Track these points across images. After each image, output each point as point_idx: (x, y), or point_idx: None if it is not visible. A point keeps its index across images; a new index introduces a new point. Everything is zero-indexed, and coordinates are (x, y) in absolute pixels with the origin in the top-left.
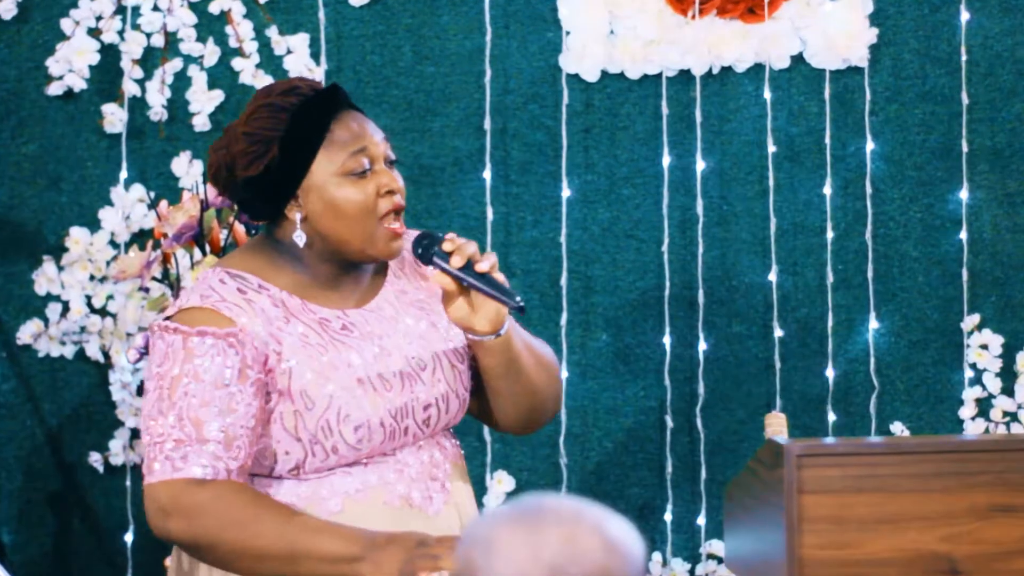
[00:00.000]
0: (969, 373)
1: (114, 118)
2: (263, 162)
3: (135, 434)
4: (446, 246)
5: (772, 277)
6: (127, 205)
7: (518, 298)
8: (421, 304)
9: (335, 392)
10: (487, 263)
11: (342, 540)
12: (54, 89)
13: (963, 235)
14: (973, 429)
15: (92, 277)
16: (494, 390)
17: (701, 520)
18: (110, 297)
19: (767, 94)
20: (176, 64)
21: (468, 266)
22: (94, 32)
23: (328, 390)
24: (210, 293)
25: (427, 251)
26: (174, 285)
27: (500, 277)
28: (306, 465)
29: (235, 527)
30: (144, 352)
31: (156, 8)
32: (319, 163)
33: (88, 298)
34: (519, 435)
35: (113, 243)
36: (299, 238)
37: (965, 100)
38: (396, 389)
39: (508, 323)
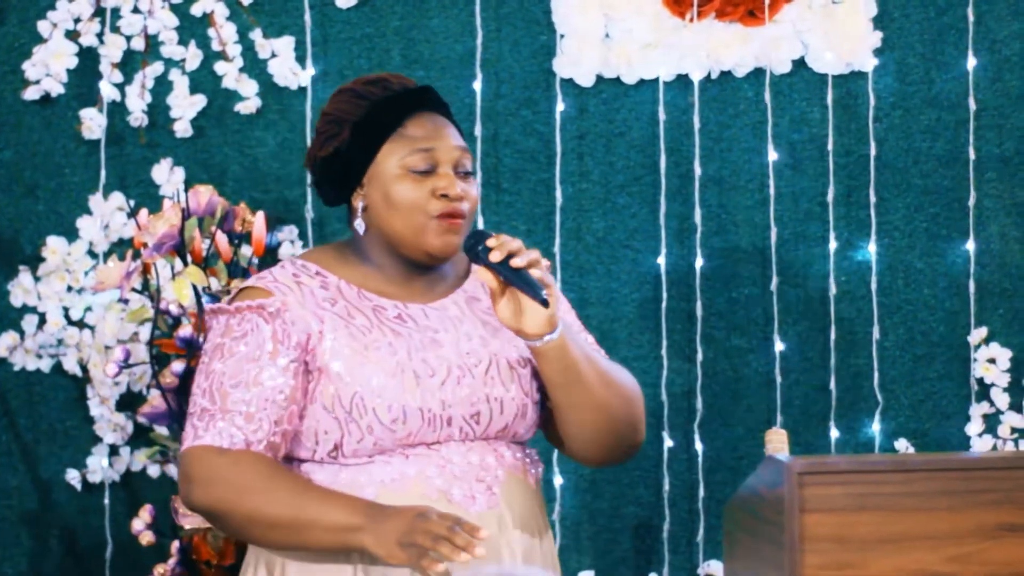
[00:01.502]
0: (976, 388)
1: (92, 124)
2: (334, 144)
3: (114, 450)
4: (490, 242)
5: (773, 288)
6: (106, 214)
7: (544, 293)
8: (490, 313)
9: (371, 371)
10: (524, 259)
11: (347, 510)
12: (30, 93)
13: (970, 245)
14: (980, 446)
15: (70, 288)
16: (555, 403)
17: (699, 539)
18: (88, 309)
19: (768, 99)
20: (157, 68)
21: (506, 261)
22: (72, 35)
23: (364, 368)
24: (265, 275)
25: (473, 248)
26: (154, 296)
27: (537, 273)
28: (344, 447)
29: (248, 494)
30: (123, 366)
31: (136, 10)
32: (385, 153)
33: (66, 310)
34: (598, 464)
35: (91, 253)
36: (359, 226)
37: (972, 106)
38: (440, 378)
39: (561, 329)
